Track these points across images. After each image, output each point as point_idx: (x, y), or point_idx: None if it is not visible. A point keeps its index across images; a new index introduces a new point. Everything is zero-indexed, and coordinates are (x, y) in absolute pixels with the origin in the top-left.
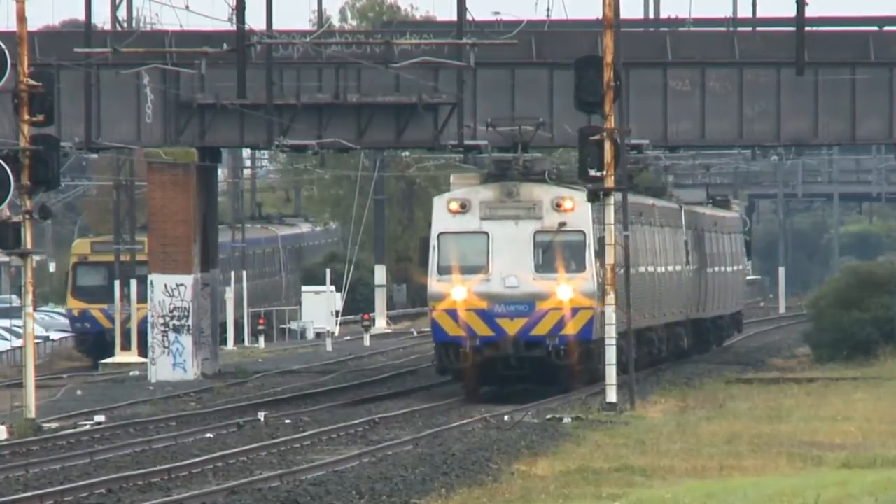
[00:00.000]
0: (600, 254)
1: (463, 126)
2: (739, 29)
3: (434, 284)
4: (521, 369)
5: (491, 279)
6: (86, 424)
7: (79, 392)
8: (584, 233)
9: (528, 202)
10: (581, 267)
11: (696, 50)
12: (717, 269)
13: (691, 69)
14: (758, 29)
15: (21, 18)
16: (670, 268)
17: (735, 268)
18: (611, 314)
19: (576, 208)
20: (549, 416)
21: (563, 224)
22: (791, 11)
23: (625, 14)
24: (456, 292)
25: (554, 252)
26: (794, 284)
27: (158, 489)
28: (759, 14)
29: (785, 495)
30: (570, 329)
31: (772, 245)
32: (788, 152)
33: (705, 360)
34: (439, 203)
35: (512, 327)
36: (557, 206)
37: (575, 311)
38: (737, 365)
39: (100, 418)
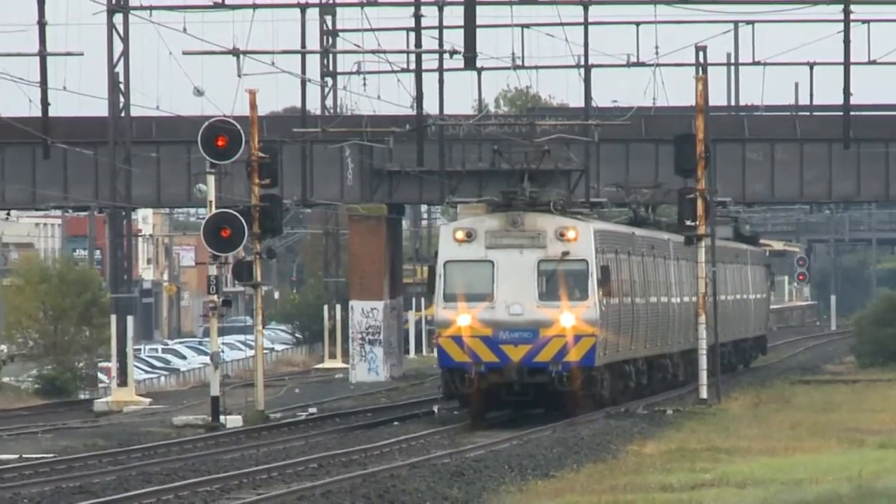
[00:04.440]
0: (603, 282)
1: (589, 187)
2: (800, 113)
3: (440, 311)
4: (525, 395)
5: (495, 306)
6: (302, 415)
7: (296, 390)
8: (586, 262)
9: (532, 231)
10: (584, 295)
11: (767, 129)
12: (734, 296)
13: (763, 144)
14: (814, 113)
15: (253, 106)
16: (685, 298)
17: (756, 295)
18: (702, 330)
19: (579, 238)
20: (655, 409)
21: (566, 253)
22: (840, 99)
23: (712, 101)
24: (461, 319)
25: (557, 280)
26: (843, 308)
27: (357, 465)
28: (815, 101)
29: (835, 469)
30: (573, 356)
31: (825, 278)
32: (838, 207)
33: (774, 367)
34: (446, 232)
35: (516, 353)
36: (561, 236)
37: (577, 338)
38: (799, 370)
39: (312, 410)
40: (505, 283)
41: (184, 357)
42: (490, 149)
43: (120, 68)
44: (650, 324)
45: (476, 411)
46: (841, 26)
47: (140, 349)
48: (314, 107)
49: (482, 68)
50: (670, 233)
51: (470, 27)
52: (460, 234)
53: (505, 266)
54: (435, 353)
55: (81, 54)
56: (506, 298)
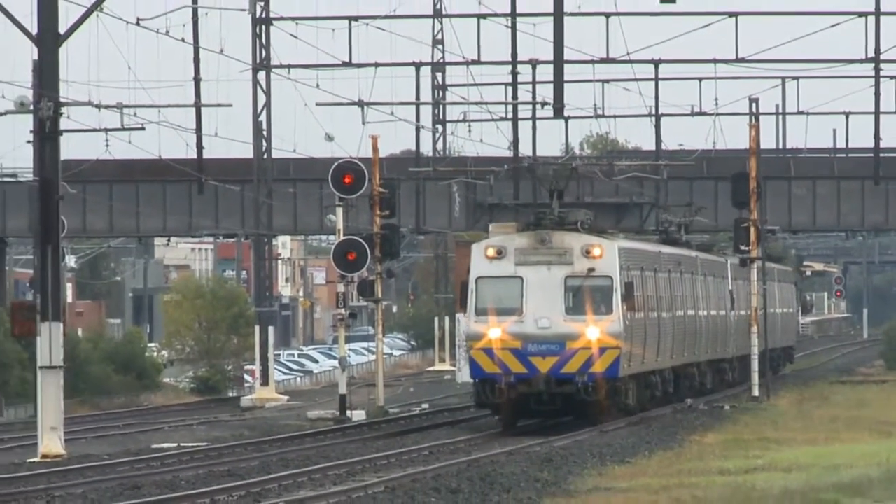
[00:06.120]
0: (627, 297)
1: (659, 218)
2: (837, 154)
3: (472, 325)
4: (553, 404)
5: (524, 320)
6: (416, 410)
7: (411, 389)
8: (611, 278)
9: (559, 249)
10: (609, 309)
11: (809, 168)
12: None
13: (806, 181)
14: (849, 154)
15: (375, 149)
16: (713, 312)
17: (783, 310)
18: (755, 338)
19: (604, 255)
20: (714, 405)
21: (592, 270)
22: (871, 143)
23: (763, 145)
24: (492, 332)
25: (583, 295)
26: (874, 320)
27: (462, 452)
28: (850, 145)
29: (867, 456)
30: (599, 367)
31: (859, 295)
32: (870, 234)
33: (815, 369)
34: (477, 249)
35: (544, 365)
36: (587, 253)
37: (602, 350)
38: (836, 372)
39: (425, 406)
40: (533, 297)
41: (316, 361)
42: (574, 184)
43: (263, 117)
44: (676, 336)
45: (507, 420)
46: (872, 81)
47: (279, 354)
48: (427, 149)
49: (569, 117)
50: (699, 251)
51: (558, 82)
52: (491, 252)
53: (533, 282)
54: None
55: (230, 105)
56: (534, 312)
